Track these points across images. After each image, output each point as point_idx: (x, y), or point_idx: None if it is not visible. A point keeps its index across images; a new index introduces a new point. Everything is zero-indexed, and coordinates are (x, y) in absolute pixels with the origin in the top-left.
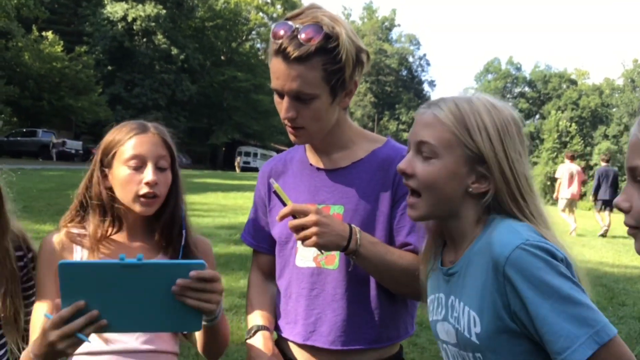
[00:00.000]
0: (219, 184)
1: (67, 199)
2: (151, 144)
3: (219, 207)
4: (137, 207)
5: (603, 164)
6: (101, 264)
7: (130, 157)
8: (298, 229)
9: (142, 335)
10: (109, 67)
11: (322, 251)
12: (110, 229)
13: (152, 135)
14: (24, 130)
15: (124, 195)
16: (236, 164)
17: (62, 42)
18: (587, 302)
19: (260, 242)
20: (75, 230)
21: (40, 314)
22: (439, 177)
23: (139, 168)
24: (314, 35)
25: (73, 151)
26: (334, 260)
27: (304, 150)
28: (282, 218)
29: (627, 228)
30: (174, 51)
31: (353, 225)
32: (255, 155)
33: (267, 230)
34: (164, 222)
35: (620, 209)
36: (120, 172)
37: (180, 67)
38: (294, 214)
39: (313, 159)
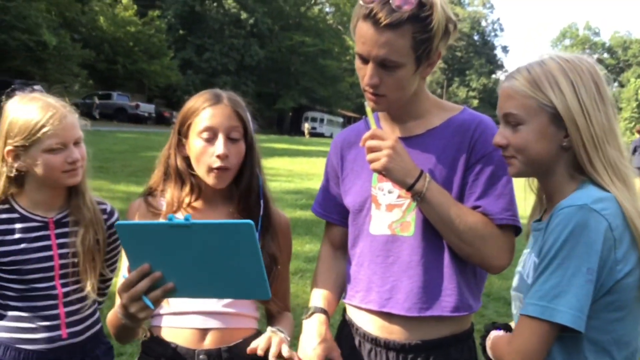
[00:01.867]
0: (286, 148)
1: (141, 161)
2: (223, 116)
3: (285, 171)
4: (209, 180)
5: (637, 135)
6: (150, 224)
7: (203, 129)
8: (372, 150)
9: (222, 299)
10: (180, 32)
11: (386, 177)
12: (189, 197)
13: (225, 107)
14: (99, 93)
15: (198, 167)
16: (305, 129)
17: (135, 7)
18: (575, 288)
19: (332, 213)
20: (156, 202)
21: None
22: (529, 140)
23: (211, 140)
24: (407, 1)
25: (146, 114)
26: (409, 227)
27: (377, 119)
28: (364, 141)
29: None
30: (244, 15)
31: (425, 172)
32: (322, 120)
33: (338, 201)
34: (241, 192)
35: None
36: (194, 144)
37: (249, 31)
38: (374, 138)
39: (387, 127)
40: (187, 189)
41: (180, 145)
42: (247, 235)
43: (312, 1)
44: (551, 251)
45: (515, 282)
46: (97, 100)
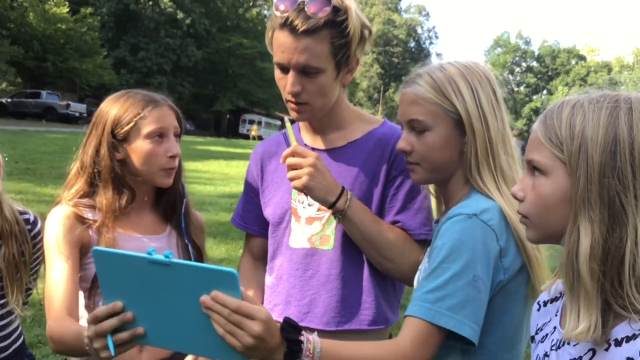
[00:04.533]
0: (222, 151)
1: (70, 163)
2: (169, 117)
3: (221, 175)
4: (159, 180)
5: (514, 138)
6: (129, 255)
7: (154, 130)
8: (293, 168)
9: None
10: (114, 30)
11: (307, 196)
12: (127, 202)
13: (168, 108)
14: (28, 91)
15: (147, 168)
16: (253, 131)
17: (67, 3)
18: (462, 294)
19: (251, 224)
20: (83, 208)
21: (58, 282)
22: (434, 147)
23: (161, 141)
24: (322, 7)
25: (77, 114)
26: (329, 240)
27: (298, 131)
28: (285, 158)
29: None
30: (180, 15)
31: (347, 189)
32: (260, 123)
33: (258, 213)
34: (172, 192)
35: (516, 198)
36: (142, 146)
37: (185, 32)
38: (295, 155)
39: (309, 139)
40: (125, 195)
41: (114, 149)
42: (231, 285)
43: (250, 3)
44: (438, 257)
45: (415, 282)
46: None
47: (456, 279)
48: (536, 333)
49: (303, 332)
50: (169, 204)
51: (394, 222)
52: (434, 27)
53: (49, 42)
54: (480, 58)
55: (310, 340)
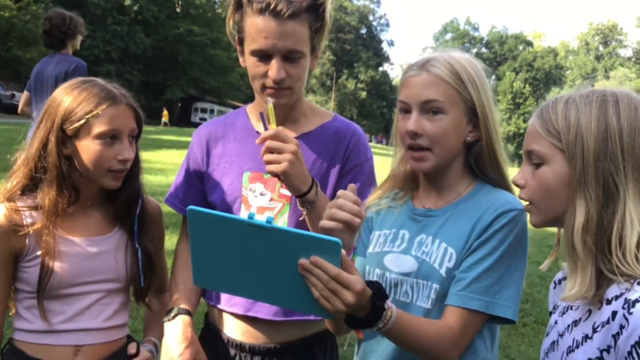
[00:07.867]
0: (174, 140)
1: (17, 153)
2: (126, 117)
3: (173, 165)
4: (106, 182)
5: None
6: (227, 217)
7: (105, 131)
8: (272, 151)
9: (102, 313)
10: None
11: (282, 182)
12: (68, 202)
13: (125, 107)
14: None
15: (93, 169)
16: (164, 117)
17: None
18: (515, 284)
19: None
20: (21, 204)
21: None
22: (448, 130)
23: (112, 142)
24: None
25: None
26: None
27: (246, 117)
28: (264, 140)
29: None
30: (128, 2)
31: (316, 180)
32: (212, 111)
33: (200, 197)
34: (127, 193)
35: (517, 185)
36: (91, 146)
37: (133, 18)
38: (275, 139)
39: (260, 126)
40: (67, 196)
41: (61, 144)
42: (332, 253)
43: None
44: (498, 250)
45: (394, 266)
46: None
47: (512, 272)
48: (553, 309)
49: (387, 300)
50: (123, 204)
51: None
52: (385, 15)
53: None
54: (430, 44)
55: (391, 308)
